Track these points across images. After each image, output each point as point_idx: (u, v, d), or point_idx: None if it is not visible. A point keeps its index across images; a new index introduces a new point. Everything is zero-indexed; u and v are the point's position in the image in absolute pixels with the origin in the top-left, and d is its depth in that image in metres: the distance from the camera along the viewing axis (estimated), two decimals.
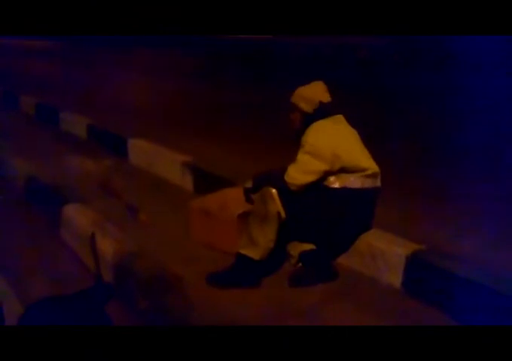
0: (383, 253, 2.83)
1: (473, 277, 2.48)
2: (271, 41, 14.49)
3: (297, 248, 2.98)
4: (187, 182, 4.33)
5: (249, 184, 3.05)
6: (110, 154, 5.40)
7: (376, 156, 2.92)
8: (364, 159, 2.84)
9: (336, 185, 2.79)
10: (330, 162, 2.73)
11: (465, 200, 3.52)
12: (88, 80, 9.97)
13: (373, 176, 2.83)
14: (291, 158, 2.82)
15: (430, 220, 3.24)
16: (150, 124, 5.87)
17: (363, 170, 2.79)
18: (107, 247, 2.98)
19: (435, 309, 2.56)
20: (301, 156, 2.78)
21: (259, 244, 2.76)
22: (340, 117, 2.92)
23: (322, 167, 2.74)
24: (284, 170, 2.80)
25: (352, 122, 2.96)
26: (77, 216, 3.49)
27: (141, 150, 5.08)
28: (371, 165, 2.84)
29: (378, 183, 2.87)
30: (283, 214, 2.74)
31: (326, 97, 2.88)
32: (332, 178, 2.79)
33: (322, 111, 2.85)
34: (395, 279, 2.78)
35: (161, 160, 4.73)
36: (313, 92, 2.87)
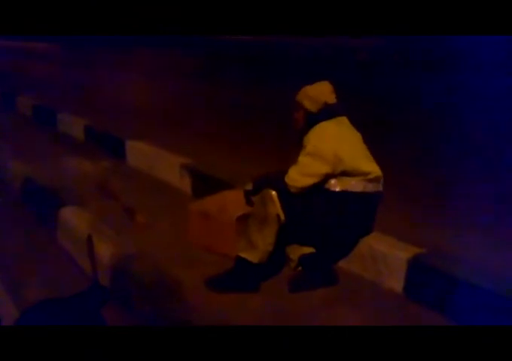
0: (384, 257, 2.80)
1: (475, 281, 2.45)
2: (272, 43, 14.49)
3: (296, 252, 2.95)
4: (185, 184, 4.30)
5: (249, 186, 3.02)
6: (108, 156, 5.38)
7: (376, 157, 2.89)
8: (366, 163, 2.80)
9: (337, 188, 2.76)
10: (331, 165, 2.70)
11: (466, 202, 3.49)
12: (86, 81, 9.95)
13: (375, 180, 2.79)
14: (291, 160, 2.79)
15: (431, 223, 3.21)
16: (149, 126, 5.85)
17: (365, 174, 2.75)
18: (104, 249, 2.94)
19: (437, 313, 2.53)
20: (303, 158, 2.74)
21: (258, 247, 2.73)
22: (344, 119, 2.89)
23: (324, 170, 2.71)
24: (284, 172, 2.77)
25: (354, 123, 2.93)
26: (74, 218, 3.46)
27: (139, 152, 5.05)
28: (374, 169, 2.80)
29: (380, 187, 2.83)
30: (282, 217, 2.71)
31: (331, 98, 2.85)
32: (333, 181, 2.76)
33: (326, 112, 2.82)
34: (396, 283, 2.75)
35: (160, 162, 4.70)
36: (319, 92, 2.83)
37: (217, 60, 12.75)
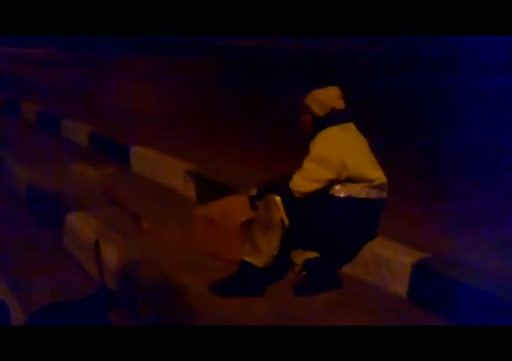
0: (388, 262, 2.81)
1: (478, 285, 2.46)
2: (275, 48, 14.55)
3: (300, 256, 2.96)
4: (190, 190, 4.32)
5: (254, 191, 3.04)
6: (112, 162, 5.40)
7: (377, 159, 2.91)
8: (371, 170, 2.81)
9: (342, 194, 2.78)
10: (336, 171, 2.72)
11: (471, 206, 3.50)
12: (90, 88, 9.99)
13: (379, 187, 2.81)
14: (296, 166, 2.81)
15: (435, 227, 3.22)
16: (153, 131, 5.87)
17: (370, 180, 2.77)
18: (110, 254, 2.96)
19: (441, 317, 2.53)
20: (308, 164, 2.76)
21: (263, 251, 2.74)
22: (351, 125, 2.90)
23: (328, 175, 2.73)
24: (289, 178, 2.79)
25: (360, 129, 2.95)
26: (80, 224, 3.48)
27: (143, 158, 5.08)
28: (378, 176, 2.81)
29: (384, 194, 2.85)
30: (286, 222, 2.72)
31: (340, 103, 2.87)
32: (337, 187, 2.78)
33: (334, 117, 2.83)
34: (400, 287, 2.76)
35: (164, 168, 4.72)
36: (327, 97, 2.85)
37: (222, 66, 12.80)
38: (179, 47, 14.96)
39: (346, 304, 2.72)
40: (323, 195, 2.79)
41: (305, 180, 2.74)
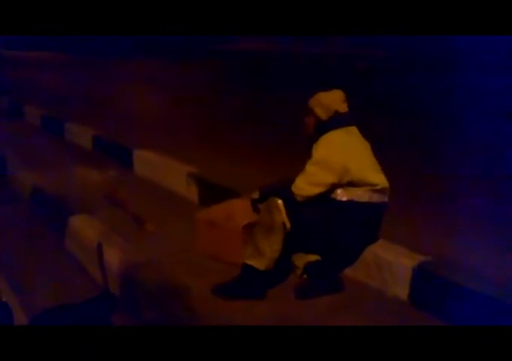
0: (390, 265, 2.82)
1: (479, 288, 2.47)
2: (275, 53, 14.59)
3: (302, 259, 2.97)
4: (192, 193, 4.34)
5: (256, 194, 3.05)
6: (115, 165, 5.41)
7: (378, 160, 2.92)
8: (373, 174, 2.82)
9: (344, 198, 2.79)
10: (339, 175, 2.73)
11: (472, 209, 3.50)
12: (94, 91, 10.02)
13: (381, 191, 2.82)
14: (298, 169, 2.82)
15: (436, 230, 3.23)
16: (156, 135, 5.89)
17: (372, 184, 2.78)
18: (113, 257, 2.98)
19: (442, 320, 2.54)
20: (310, 167, 2.78)
21: (265, 254, 2.75)
22: (354, 129, 2.92)
23: (330, 179, 2.74)
24: (291, 181, 2.80)
25: (363, 133, 2.96)
26: (83, 226, 3.50)
27: (146, 161, 5.10)
28: (380, 181, 2.82)
29: (385, 198, 2.86)
30: (288, 225, 2.73)
31: (343, 107, 2.88)
32: (339, 191, 2.79)
33: (337, 121, 2.84)
34: (402, 291, 2.77)
35: (166, 171, 4.74)
36: (331, 100, 2.86)
37: (224, 69, 12.82)
38: (181, 50, 15.00)
39: (348, 307, 2.72)
40: (325, 198, 2.80)
41: (307, 184, 2.76)
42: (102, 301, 2.56)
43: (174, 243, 3.45)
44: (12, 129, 7.36)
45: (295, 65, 12.83)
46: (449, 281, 2.58)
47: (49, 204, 4.17)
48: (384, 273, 2.85)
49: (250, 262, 2.78)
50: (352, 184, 2.76)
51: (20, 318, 2.56)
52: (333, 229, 2.81)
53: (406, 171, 4.17)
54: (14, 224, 4.02)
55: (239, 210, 3.26)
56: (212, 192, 4.08)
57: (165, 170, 4.77)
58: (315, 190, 2.76)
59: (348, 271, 3.03)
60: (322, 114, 2.85)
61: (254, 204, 3.07)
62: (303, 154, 2.91)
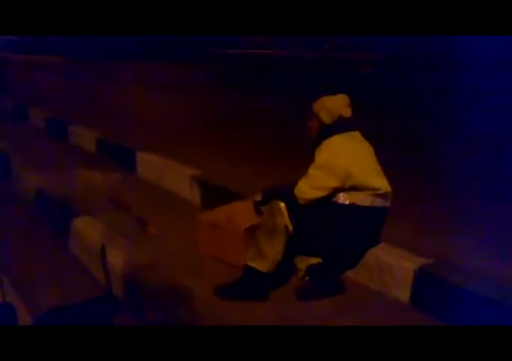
0: (391, 267, 2.83)
1: (481, 291, 2.47)
2: (277, 56, 14.62)
3: (304, 262, 2.99)
4: (195, 195, 4.35)
5: (259, 197, 3.07)
6: (119, 167, 5.44)
7: (378, 161, 2.93)
8: (376, 179, 2.83)
9: (346, 201, 2.80)
10: (341, 180, 2.74)
11: (472, 209, 3.51)
12: (97, 94, 10.06)
13: (383, 196, 2.83)
14: (300, 171, 2.84)
15: (436, 231, 3.24)
16: (159, 137, 5.91)
17: (374, 189, 2.79)
18: (116, 259, 3.00)
19: (443, 323, 2.54)
20: (313, 171, 2.79)
21: (267, 256, 2.77)
22: (357, 134, 2.93)
23: (333, 184, 2.75)
24: (293, 184, 2.81)
25: (367, 138, 2.97)
26: (86, 228, 3.52)
27: (149, 164, 5.12)
28: (383, 185, 2.83)
29: (387, 203, 2.87)
30: (290, 228, 2.74)
31: (347, 112, 2.89)
32: (342, 194, 2.80)
33: (340, 125, 2.86)
34: (403, 293, 2.78)
35: (170, 174, 4.76)
36: (335, 104, 2.87)
37: (227, 72, 12.86)
38: (183, 54, 15.05)
39: (349, 309, 2.73)
40: (327, 202, 2.81)
41: (310, 187, 2.77)
42: (105, 303, 2.57)
43: (177, 245, 3.47)
44: (16, 132, 7.39)
45: (296, 69, 12.86)
46: (450, 284, 2.58)
47: (53, 206, 4.20)
48: (385, 275, 2.86)
49: (252, 264, 2.80)
50: (354, 188, 2.78)
51: (24, 319, 2.58)
52: (335, 232, 2.82)
53: (406, 171, 4.18)
54: (18, 226, 4.04)
55: (241, 213, 3.28)
56: (215, 195, 4.10)
57: (168, 173, 4.79)
58: (318, 194, 2.77)
59: (349, 274, 3.04)
60: (326, 119, 2.86)
61: (257, 206, 3.09)
62: (305, 156, 2.92)
